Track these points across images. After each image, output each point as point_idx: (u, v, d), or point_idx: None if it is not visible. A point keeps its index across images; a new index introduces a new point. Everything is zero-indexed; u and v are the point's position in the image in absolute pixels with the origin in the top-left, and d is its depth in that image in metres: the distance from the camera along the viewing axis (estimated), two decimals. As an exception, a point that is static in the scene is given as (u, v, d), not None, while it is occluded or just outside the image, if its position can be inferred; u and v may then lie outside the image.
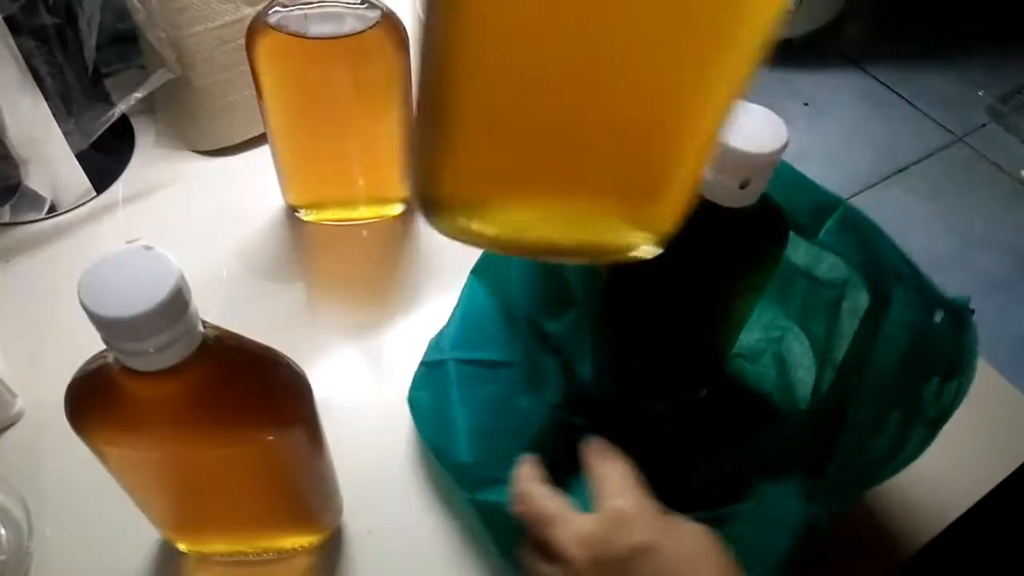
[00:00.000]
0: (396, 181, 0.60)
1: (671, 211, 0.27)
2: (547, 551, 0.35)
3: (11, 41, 0.51)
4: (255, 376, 0.34)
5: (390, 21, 0.48)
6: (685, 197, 0.27)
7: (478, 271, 0.50)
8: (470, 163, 0.25)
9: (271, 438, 0.34)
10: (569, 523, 0.35)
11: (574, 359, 0.45)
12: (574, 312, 0.45)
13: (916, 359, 0.35)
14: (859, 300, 0.41)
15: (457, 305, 0.49)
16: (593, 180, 0.25)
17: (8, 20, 0.51)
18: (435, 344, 0.49)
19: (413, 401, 0.48)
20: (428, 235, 0.60)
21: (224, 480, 0.38)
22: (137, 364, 0.29)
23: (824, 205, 0.41)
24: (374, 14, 0.48)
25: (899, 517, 0.46)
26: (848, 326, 0.42)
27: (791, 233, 0.42)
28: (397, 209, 0.61)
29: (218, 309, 0.34)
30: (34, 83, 0.54)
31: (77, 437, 0.33)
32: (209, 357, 0.31)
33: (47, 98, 0.55)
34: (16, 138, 0.55)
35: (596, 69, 0.22)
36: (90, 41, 0.56)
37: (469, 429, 0.44)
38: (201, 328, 0.30)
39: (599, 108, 0.23)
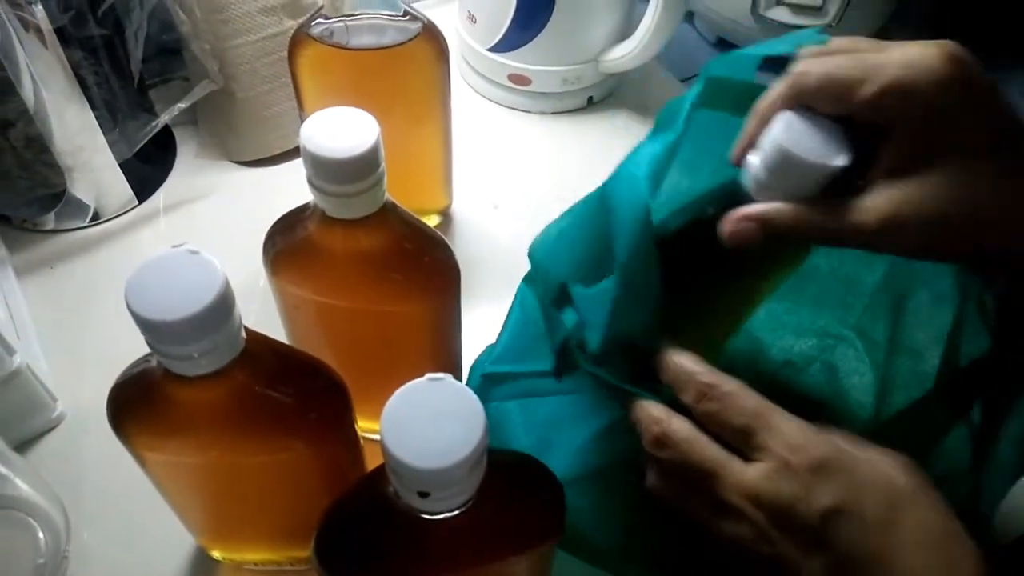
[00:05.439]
0: (434, 192, 0.60)
1: None
2: (718, 504, 0.31)
3: (60, 51, 0.52)
4: (295, 384, 0.34)
5: (431, 33, 0.49)
6: None
7: (529, 279, 0.48)
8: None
9: (309, 447, 0.34)
10: (736, 474, 0.30)
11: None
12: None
13: None
14: (942, 286, 0.41)
15: (508, 316, 0.47)
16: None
17: (58, 31, 0.52)
18: (488, 357, 0.47)
19: None
20: (465, 246, 0.60)
21: (262, 488, 0.38)
22: (181, 369, 0.29)
23: None
24: (415, 26, 0.48)
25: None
26: (928, 312, 0.42)
27: None
28: (434, 221, 0.61)
29: (256, 318, 0.34)
30: (81, 93, 0.55)
31: (116, 441, 0.33)
32: (251, 363, 0.31)
33: (93, 108, 0.56)
34: (62, 146, 0.55)
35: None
36: (136, 52, 0.57)
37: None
38: (243, 334, 0.30)
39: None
